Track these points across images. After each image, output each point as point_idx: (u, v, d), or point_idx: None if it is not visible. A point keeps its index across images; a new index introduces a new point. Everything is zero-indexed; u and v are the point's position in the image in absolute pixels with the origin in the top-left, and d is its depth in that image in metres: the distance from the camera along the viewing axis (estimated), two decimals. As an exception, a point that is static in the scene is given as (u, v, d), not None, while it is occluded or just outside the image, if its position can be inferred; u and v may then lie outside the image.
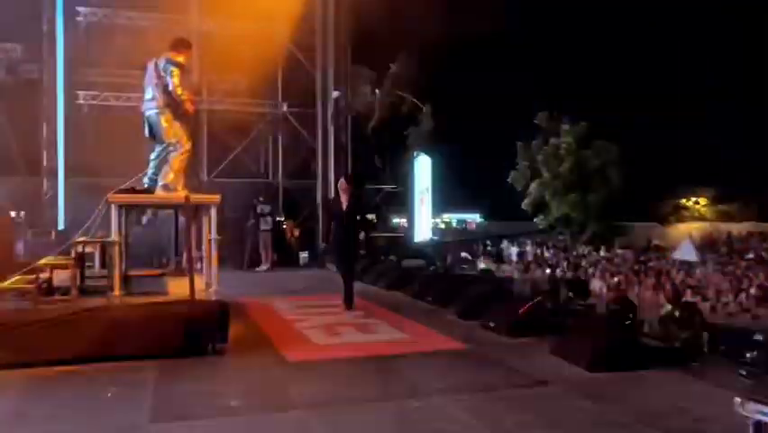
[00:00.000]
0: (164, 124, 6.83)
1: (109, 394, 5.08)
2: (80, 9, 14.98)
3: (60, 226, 14.15)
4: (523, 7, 26.36)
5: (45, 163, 15.22)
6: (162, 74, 6.73)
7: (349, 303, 8.83)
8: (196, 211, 7.63)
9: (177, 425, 4.55)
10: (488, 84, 26.62)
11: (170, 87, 6.70)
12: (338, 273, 9.28)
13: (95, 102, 15.37)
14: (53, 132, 15.06)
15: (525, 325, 7.34)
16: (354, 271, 9.31)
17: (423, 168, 23.62)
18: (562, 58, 28.33)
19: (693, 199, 38.13)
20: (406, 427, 4.57)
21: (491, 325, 7.64)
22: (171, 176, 6.89)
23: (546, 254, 21.65)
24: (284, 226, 16.49)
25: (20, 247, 12.04)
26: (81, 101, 15.34)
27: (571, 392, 5.30)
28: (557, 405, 5.04)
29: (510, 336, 7.23)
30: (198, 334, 6.17)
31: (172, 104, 6.77)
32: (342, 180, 9.27)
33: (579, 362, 5.96)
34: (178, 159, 6.93)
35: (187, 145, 6.98)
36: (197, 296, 6.54)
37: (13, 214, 14.40)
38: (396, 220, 32.46)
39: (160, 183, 6.95)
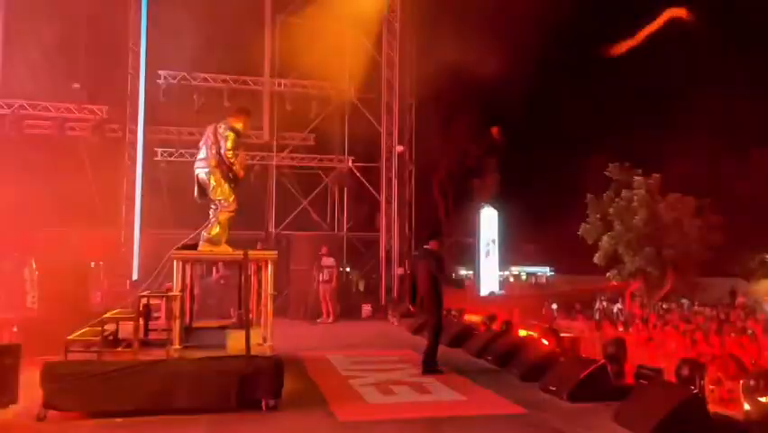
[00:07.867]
0: (213, 183, 7.16)
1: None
2: (161, 72, 15.97)
3: (134, 277, 14.76)
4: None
5: (124, 216, 16.06)
6: (219, 137, 7.09)
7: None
8: (256, 266, 7.81)
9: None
10: (556, 134, 26.34)
11: (223, 150, 7.03)
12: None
13: (171, 159, 16.20)
14: (132, 186, 15.92)
15: (588, 389, 7.01)
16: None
17: (489, 220, 23.40)
18: (635, 107, 27.70)
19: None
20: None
21: (552, 388, 7.34)
22: (216, 230, 7.17)
23: (619, 311, 20.74)
24: (350, 277, 16.53)
25: (96, 297, 12.64)
26: (159, 158, 16.22)
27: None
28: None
29: (572, 401, 6.93)
30: (251, 390, 6.23)
31: (223, 165, 7.11)
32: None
33: (641, 431, 5.62)
34: (224, 215, 7.21)
35: (234, 205, 7.27)
36: (253, 351, 6.63)
37: (92, 264, 15.21)
38: (463, 272, 32.17)
39: (204, 237, 7.20)
